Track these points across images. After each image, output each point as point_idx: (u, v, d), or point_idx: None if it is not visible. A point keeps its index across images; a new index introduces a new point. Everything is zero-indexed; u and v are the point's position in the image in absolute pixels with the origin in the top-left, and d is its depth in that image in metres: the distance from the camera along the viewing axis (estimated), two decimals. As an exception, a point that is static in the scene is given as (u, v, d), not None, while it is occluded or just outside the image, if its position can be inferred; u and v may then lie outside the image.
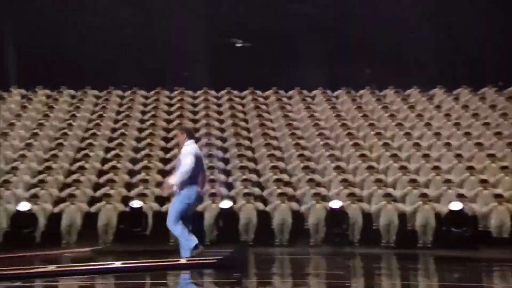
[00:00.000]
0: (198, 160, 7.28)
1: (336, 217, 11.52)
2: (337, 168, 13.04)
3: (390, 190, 12.36)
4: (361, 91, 17.83)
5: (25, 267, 6.08)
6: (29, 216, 11.49)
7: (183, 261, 5.86)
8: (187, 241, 6.97)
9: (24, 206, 11.50)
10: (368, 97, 17.57)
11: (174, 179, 7.22)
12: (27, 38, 17.88)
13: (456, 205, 11.50)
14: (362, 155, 13.59)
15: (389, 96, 17.74)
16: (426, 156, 13.58)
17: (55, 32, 17.93)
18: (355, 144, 14.24)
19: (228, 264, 4.50)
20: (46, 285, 5.37)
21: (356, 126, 15.59)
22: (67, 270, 5.75)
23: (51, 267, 5.62)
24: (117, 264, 5.82)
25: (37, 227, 11.59)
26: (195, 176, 7.23)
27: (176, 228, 7.06)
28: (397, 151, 14.05)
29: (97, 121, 15.70)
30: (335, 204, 11.65)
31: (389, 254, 10.92)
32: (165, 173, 13.18)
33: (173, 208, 7.19)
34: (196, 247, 6.95)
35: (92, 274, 5.63)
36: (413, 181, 12.47)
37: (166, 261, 6.29)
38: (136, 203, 11.76)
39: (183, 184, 7.15)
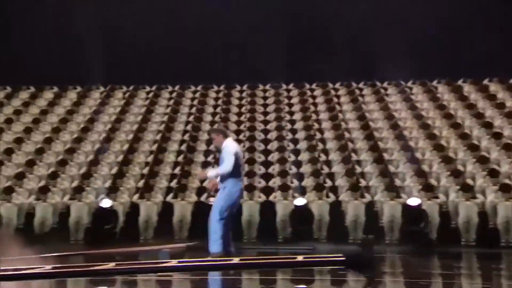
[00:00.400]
0: (239, 158, 7.48)
1: (414, 215, 11.18)
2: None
3: (469, 182, 11.88)
4: (434, 82, 17.22)
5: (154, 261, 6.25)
6: (110, 212, 11.81)
7: (300, 258, 5.66)
8: (218, 243, 7.21)
9: (106, 202, 11.86)
10: (443, 88, 16.97)
11: (211, 173, 7.60)
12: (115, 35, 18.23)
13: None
14: (438, 147, 13.19)
15: (465, 87, 17.02)
16: (507, 147, 12.96)
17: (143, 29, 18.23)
18: (431, 136, 13.82)
19: (357, 262, 4.31)
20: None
21: (431, 117, 15.12)
22: (189, 265, 5.79)
23: (173, 262, 5.70)
24: (236, 260, 5.80)
25: (117, 223, 11.91)
26: (239, 174, 7.44)
27: (217, 226, 7.23)
28: (476, 143, 13.53)
29: (172, 116, 16.07)
30: (413, 201, 11.30)
31: (469, 253, 10.49)
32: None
33: (218, 205, 7.33)
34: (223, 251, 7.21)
35: (214, 270, 5.64)
36: (492, 174, 11.93)
37: (284, 258, 6.15)
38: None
39: (229, 181, 7.32)
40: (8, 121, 15.99)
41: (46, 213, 12.05)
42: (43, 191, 12.39)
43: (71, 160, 13.91)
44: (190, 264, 5.68)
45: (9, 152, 14.15)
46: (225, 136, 7.63)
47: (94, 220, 11.90)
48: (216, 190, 7.52)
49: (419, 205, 11.29)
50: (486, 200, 11.57)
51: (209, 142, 14.69)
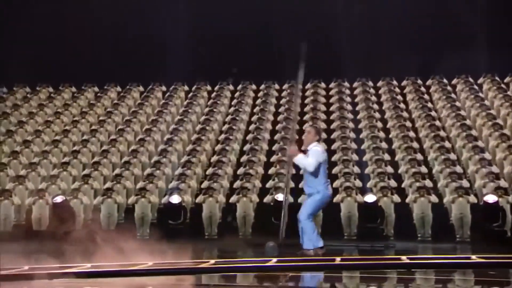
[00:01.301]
0: (325, 162, 7.58)
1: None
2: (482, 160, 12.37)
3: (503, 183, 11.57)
4: (481, 79, 16.73)
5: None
6: (178, 208, 12.11)
7: (474, 258, 5.51)
8: (313, 239, 7.31)
9: (175, 199, 12.16)
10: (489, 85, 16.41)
11: (298, 159, 7.49)
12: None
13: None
14: (510, 146, 12.75)
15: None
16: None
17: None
18: (502, 135, 13.37)
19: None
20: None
21: (502, 115, 14.64)
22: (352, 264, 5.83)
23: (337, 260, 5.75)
24: (404, 259, 5.68)
25: (185, 219, 12.18)
26: (327, 178, 7.57)
27: (309, 224, 7.38)
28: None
29: (234, 116, 16.24)
30: (491, 198, 11.09)
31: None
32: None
33: (310, 205, 7.47)
34: (322, 247, 7.30)
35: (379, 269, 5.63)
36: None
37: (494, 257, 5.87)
38: (280, 196, 11.90)
39: (321, 187, 7.44)
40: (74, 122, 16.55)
41: (112, 209, 12.48)
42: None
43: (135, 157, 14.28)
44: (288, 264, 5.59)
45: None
46: (319, 138, 7.75)
47: (160, 216, 12.22)
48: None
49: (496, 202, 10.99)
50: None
51: (271, 142, 14.80)
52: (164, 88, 18.49)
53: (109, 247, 5.99)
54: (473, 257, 5.60)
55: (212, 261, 4.68)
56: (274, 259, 4.59)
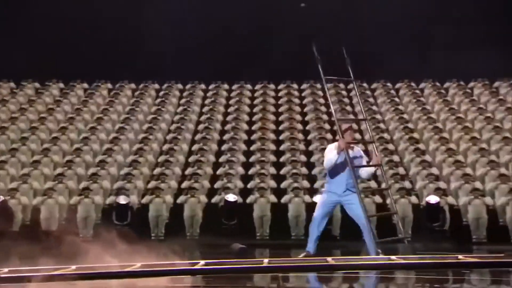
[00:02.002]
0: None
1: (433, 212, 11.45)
2: (423, 162, 12.94)
3: (478, 184, 12.16)
4: (447, 84, 17.52)
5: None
6: (124, 208, 11.95)
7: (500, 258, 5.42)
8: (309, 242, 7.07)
9: (123, 199, 11.99)
10: (455, 90, 17.24)
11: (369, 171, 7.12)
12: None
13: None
14: (449, 149, 13.45)
15: (477, 89, 17.28)
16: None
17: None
18: (441, 138, 14.06)
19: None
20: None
21: (442, 119, 15.39)
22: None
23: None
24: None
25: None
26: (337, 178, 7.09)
27: (310, 226, 7.12)
28: (485, 145, 13.81)
29: (182, 116, 16.14)
30: (433, 199, 11.58)
31: (481, 250, 10.65)
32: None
33: (362, 208, 6.89)
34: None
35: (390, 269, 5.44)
36: (502, 175, 12.23)
37: (478, 257, 5.77)
38: (231, 197, 11.99)
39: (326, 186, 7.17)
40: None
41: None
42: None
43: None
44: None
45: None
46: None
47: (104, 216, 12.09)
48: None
49: (438, 202, 11.55)
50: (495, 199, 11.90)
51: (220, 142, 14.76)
52: (110, 86, 18.09)
53: (51, 248, 5.85)
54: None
55: (203, 262, 4.64)
56: (266, 260, 4.62)
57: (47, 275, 4.37)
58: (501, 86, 17.12)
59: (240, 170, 13.39)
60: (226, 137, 14.98)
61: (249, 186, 12.72)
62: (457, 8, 17.59)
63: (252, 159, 13.87)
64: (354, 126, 7.20)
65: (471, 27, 17.19)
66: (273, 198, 12.24)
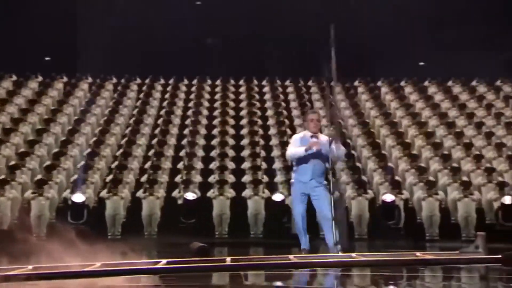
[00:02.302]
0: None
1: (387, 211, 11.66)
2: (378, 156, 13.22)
3: (431, 179, 12.48)
4: (402, 82, 17.82)
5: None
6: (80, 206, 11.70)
7: (456, 256, 5.44)
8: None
9: (78, 197, 11.73)
10: (411, 88, 17.60)
11: (337, 148, 6.74)
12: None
13: (507, 199, 11.55)
14: (404, 144, 13.83)
15: (431, 87, 17.71)
16: (468, 147, 13.68)
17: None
18: (396, 134, 14.33)
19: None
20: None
21: (398, 117, 15.69)
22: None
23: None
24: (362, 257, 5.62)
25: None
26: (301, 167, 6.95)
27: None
28: (439, 141, 14.22)
29: (142, 109, 16.01)
30: (388, 197, 11.77)
31: (433, 247, 10.93)
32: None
33: (329, 201, 6.73)
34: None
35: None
36: (455, 171, 12.54)
37: (438, 254, 5.88)
38: (190, 195, 11.87)
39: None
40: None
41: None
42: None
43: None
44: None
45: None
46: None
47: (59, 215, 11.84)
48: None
49: (393, 201, 11.78)
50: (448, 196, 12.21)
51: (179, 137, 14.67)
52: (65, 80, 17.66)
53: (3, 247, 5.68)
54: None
55: (164, 261, 4.61)
56: (228, 258, 4.63)
57: (3, 275, 4.26)
58: (454, 86, 17.65)
59: (200, 164, 13.35)
60: (186, 131, 14.91)
61: (209, 180, 12.68)
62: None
63: (212, 153, 13.85)
64: (319, 116, 7.01)
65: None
66: (232, 193, 12.23)
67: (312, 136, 6.75)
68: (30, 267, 4.65)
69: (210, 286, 4.56)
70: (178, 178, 12.70)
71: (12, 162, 12.93)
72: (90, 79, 17.81)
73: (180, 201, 12.05)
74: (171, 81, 17.93)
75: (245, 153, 13.84)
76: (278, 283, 4.91)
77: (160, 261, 4.62)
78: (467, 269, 5.10)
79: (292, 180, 7.10)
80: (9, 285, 4.33)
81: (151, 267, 4.48)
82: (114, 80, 17.93)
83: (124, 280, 4.42)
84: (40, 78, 17.63)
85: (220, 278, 5.01)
